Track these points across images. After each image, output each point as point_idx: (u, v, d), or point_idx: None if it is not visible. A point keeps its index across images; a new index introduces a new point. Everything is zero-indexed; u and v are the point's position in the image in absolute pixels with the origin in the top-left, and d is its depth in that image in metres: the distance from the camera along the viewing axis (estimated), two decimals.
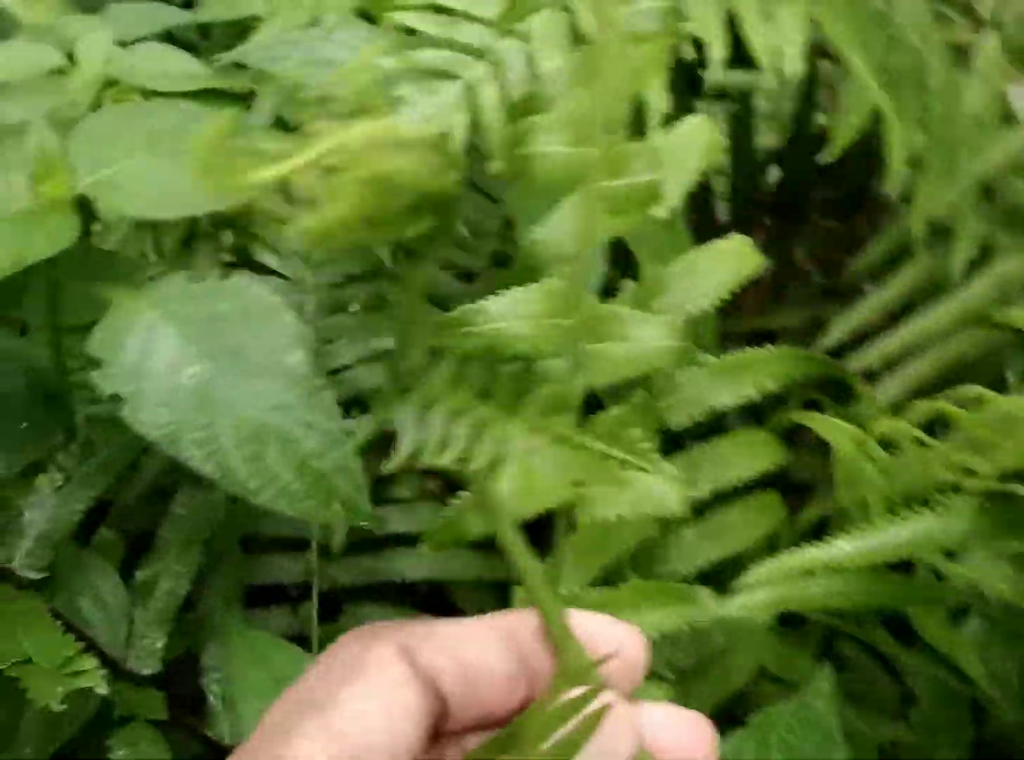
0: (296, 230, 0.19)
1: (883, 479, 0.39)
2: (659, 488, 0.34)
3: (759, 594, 0.39)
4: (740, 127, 0.66)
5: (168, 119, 0.40)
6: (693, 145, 0.38)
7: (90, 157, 0.38)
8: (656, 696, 0.45)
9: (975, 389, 0.34)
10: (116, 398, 0.34)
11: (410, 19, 0.54)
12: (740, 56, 0.77)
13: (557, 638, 0.25)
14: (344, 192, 0.21)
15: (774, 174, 0.73)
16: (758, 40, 0.47)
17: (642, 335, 0.35)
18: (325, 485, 0.32)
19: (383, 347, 0.61)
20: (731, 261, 0.40)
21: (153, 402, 0.33)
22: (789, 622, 0.54)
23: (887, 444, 0.40)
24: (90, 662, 0.37)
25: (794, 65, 0.45)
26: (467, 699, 0.24)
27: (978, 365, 0.52)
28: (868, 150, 0.65)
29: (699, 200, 0.70)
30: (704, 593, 0.41)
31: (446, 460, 0.33)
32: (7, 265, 0.32)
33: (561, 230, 0.35)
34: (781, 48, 0.47)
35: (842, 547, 0.36)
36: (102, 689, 0.37)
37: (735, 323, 0.54)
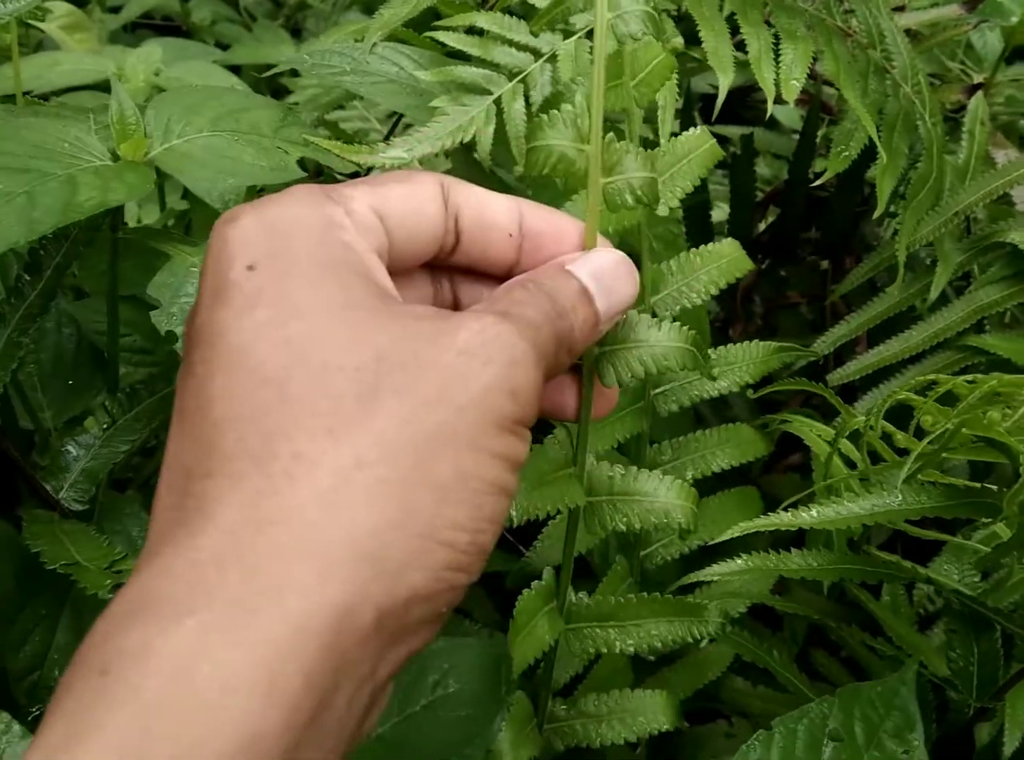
0: None
1: (847, 467, 0.42)
2: (667, 503, 0.38)
3: (737, 560, 0.42)
4: (741, 169, 0.71)
5: (230, 103, 0.45)
6: (693, 153, 0.41)
7: (162, 128, 0.42)
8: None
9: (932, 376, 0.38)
10: (172, 336, 0.38)
11: (450, 39, 0.59)
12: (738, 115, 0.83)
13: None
14: None
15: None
16: (765, 71, 0.52)
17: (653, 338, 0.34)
18: None
19: None
20: (723, 262, 0.44)
21: None
22: (765, 622, 0.57)
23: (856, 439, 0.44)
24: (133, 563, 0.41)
25: (795, 94, 0.50)
26: (476, 239, 0.30)
27: None
28: (856, 195, 0.70)
29: (699, 238, 0.75)
30: (712, 610, 0.43)
31: None
32: (93, 205, 0.36)
33: None
34: (785, 80, 0.52)
35: (808, 515, 0.39)
36: None
37: None
